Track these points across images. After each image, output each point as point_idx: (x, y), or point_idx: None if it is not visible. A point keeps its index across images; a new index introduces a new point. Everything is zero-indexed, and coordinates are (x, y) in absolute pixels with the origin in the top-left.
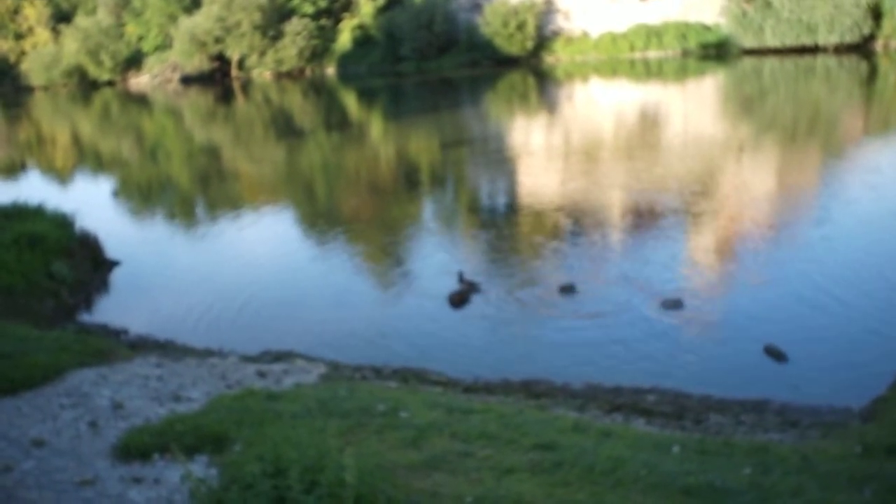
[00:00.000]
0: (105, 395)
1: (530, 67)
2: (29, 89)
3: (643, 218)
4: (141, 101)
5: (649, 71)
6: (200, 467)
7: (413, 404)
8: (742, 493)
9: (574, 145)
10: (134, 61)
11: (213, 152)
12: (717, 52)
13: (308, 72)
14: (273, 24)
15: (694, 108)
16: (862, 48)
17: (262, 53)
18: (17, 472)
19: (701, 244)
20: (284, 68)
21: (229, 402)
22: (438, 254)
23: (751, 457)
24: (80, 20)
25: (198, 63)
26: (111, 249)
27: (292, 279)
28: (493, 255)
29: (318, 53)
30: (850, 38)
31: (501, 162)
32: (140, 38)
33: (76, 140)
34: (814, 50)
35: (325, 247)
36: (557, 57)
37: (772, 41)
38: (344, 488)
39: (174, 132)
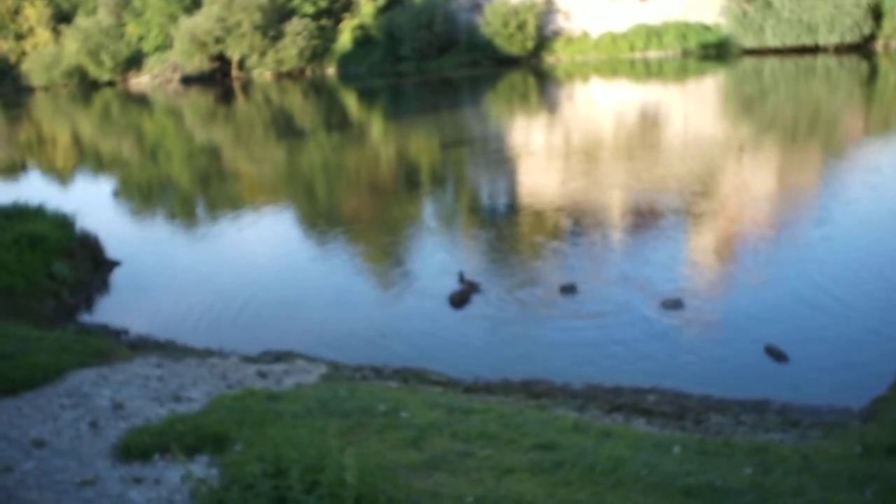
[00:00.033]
0: (105, 395)
1: (530, 67)
2: (29, 89)
3: (643, 218)
4: (141, 101)
5: (649, 71)
6: (201, 467)
7: (413, 404)
8: (743, 493)
9: (574, 145)
10: (134, 61)
11: (213, 152)
12: (717, 52)
13: (308, 72)
14: (273, 24)
15: (694, 108)
16: (862, 48)
17: (263, 53)
18: (17, 473)
19: (701, 244)
20: (285, 68)
21: (230, 403)
22: (439, 254)
23: (751, 457)
24: (81, 20)
25: (198, 63)
26: (112, 250)
27: (293, 279)
28: (493, 255)
29: (318, 53)
30: (850, 38)
31: (502, 162)
32: (140, 39)
33: (77, 140)
34: (814, 50)
35: (326, 247)
36: (558, 57)
37: (772, 41)
38: (344, 488)
39: (174, 132)
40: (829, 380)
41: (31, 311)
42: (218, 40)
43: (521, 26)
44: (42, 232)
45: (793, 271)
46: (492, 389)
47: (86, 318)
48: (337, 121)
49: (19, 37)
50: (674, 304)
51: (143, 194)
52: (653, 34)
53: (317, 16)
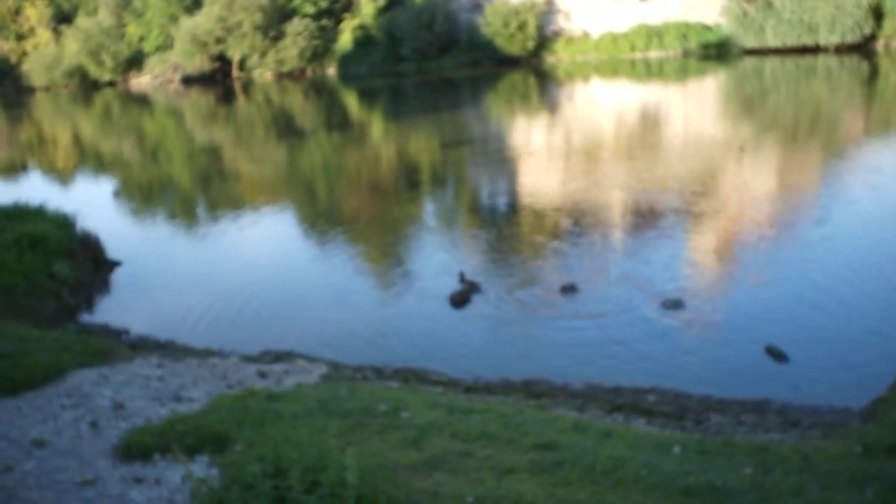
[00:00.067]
0: (106, 395)
1: (531, 67)
2: (30, 90)
3: (644, 218)
4: (142, 101)
5: (650, 71)
6: (201, 467)
7: (414, 404)
8: (743, 493)
9: (575, 145)
10: (135, 62)
11: (214, 152)
12: (717, 52)
13: (309, 72)
14: (274, 24)
15: (695, 108)
16: (863, 48)
17: (263, 54)
18: (17, 473)
19: (702, 244)
20: (285, 68)
21: (230, 403)
22: (439, 254)
23: (751, 457)
24: (82, 21)
25: (199, 63)
26: (112, 250)
27: (293, 279)
28: (493, 255)
29: (318, 54)
30: (851, 38)
31: (502, 162)
32: (141, 39)
33: (77, 140)
34: (815, 50)
35: (326, 247)
36: (558, 57)
37: (773, 41)
38: (345, 488)
39: (175, 132)
40: (830, 380)
41: (32, 310)
42: (219, 40)
43: (522, 26)
44: (43, 232)
45: (793, 271)
46: (492, 389)
47: (86, 318)
48: (337, 121)
49: (20, 37)
50: (674, 304)
51: (143, 194)
52: (653, 34)
53: (317, 16)
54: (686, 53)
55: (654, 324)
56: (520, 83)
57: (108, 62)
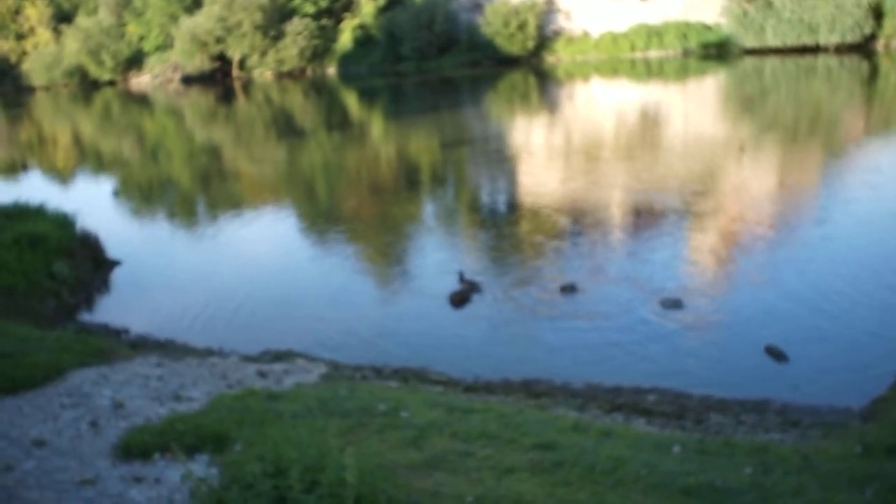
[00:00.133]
0: (106, 394)
1: (531, 67)
2: (30, 89)
3: (644, 218)
4: (142, 100)
5: (650, 71)
6: (201, 467)
7: (413, 404)
8: (743, 493)
9: (575, 145)
10: (135, 61)
11: (213, 152)
12: (717, 51)
13: (309, 72)
14: (274, 23)
15: (695, 107)
16: (863, 48)
17: (263, 53)
18: (18, 472)
19: (701, 244)
20: (285, 68)
21: (230, 402)
22: (439, 253)
23: (751, 457)
24: (82, 20)
25: (199, 63)
26: (112, 249)
27: (292, 279)
28: (493, 254)
29: (318, 53)
30: (851, 37)
31: (502, 162)
32: (141, 38)
33: (77, 140)
34: (815, 50)
35: (326, 246)
36: (558, 57)
37: (773, 41)
38: (345, 488)
39: (175, 132)
40: (830, 380)
41: (32, 310)
42: (219, 40)
43: (522, 26)
44: (42, 232)
45: (793, 271)
46: (492, 389)
47: (86, 317)
48: (337, 120)
49: (20, 36)
50: (674, 304)
51: (143, 194)
52: (653, 34)
53: (317, 15)
54: (686, 53)
55: (653, 324)
56: (520, 83)
57: (108, 62)
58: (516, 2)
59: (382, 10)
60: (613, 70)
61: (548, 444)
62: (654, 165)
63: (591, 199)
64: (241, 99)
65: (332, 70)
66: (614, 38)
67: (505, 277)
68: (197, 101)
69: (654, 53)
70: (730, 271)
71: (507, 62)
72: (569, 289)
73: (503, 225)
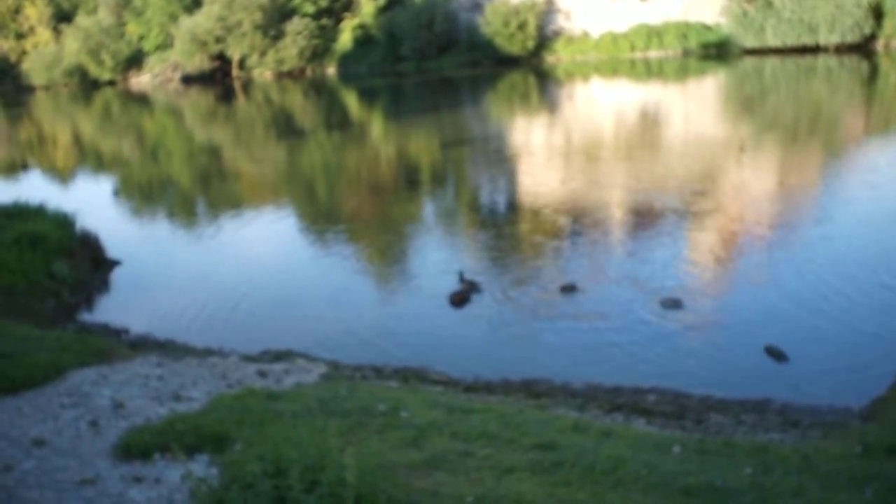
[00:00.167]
0: (106, 394)
1: (531, 67)
2: (30, 89)
3: (644, 218)
4: (142, 100)
5: (650, 71)
6: (201, 467)
7: (413, 404)
8: (743, 493)
9: (575, 145)
10: (135, 61)
11: (213, 152)
12: (717, 51)
13: (309, 71)
14: (274, 23)
15: (694, 107)
16: (863, 48)
17: (263, 53)
18: (17, 472)
19: (701, 244)
20: (285, 68)
21: (230, 402)
22: (439, 253)
23: (751, 457)
24: (81, 20)
25: (199, 63)
26: (112, 249)
27: (292, 278)
28: (493, 254)
29: (318, 53)
30: (851, 37)
31: (502, 161)
32: (141, 38)
33: (77, 140)
34: (815, 50)
35: (326, 246)
36: (558, 56)
37: (773, 41)
38: (344, 488)
39: (175, 132)
40: (830, 380)
41: (32, 310)
42: (218, 40)
43: (522, 26)
44: (42, 231)
45: (793, 271)
46: (492, 389)
47: (86, 317)
48: (337, 120)
49: (20, 36)
50: (674, 304)
51: (143, 194)
52: (653, 34)
53: (317, 15)
54: (686, 53)
55: (653, 324)
56: (520, 83)
57: (108, 61)
58: (516, 2)
59: (382, 10)
60: (613, 70)
61: (548, 444)
62: (654, 165)
63: (591, 199)
64: (240, 99)
65: (331, 70)
66: (614, 38)
67: (505, 277)
68: (197, 101)
69: (653, 53)
70: (730, 271)
71: (507, 62)
72: (569, 289)
73: (503, 225)
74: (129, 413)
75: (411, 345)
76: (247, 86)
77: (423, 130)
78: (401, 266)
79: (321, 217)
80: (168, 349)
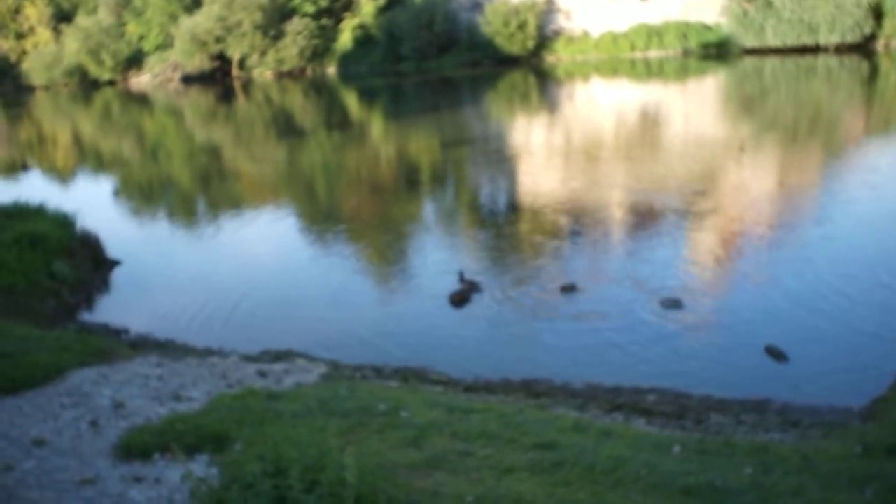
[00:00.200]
0: (106, 394)
1: (531, 67)
2: (30, 89)
3: (644, 218)
4: (142, 100)
5: (650, 70)
6: (201, 466)
7: (414, 404)
8: (743, 492)
9: (575, 145)
10: (135, 61)
11: (214, 152)
12: (717, 51)
13: (309, 71)
14: (274, 23)
15: (695, 107)
16: (863, 48)
17: (263, 53)
18: (18, 472)
19: (701, 244)
20: (285, 68)
21: (230, 402)
22: (439, 253)
23: (751, 457)
24: (81, 20)
25: (199, 62)
26: (112, 249)
27: (292, 278)
28: (493, 254)
29: (318, 53)
30: (851, 37)
31: (502, 161)
32: (141, 38)
33: (77, 139)
34: (815, 50)
35: (326, 246)
36: (558, 56)
37: (773, 41)
38: (345, 488)
39: (175, 132)
40: (830, 380)
41: (32, 310)
42: (218, 40)
43: (522, 26)
44: (43, 231)
45: (793, 271)
46: (492, 389)
47: (86, 317)
48: (337, 120)
49: (20, 36)
50: (674, 304)
51: (143, 193)
52: (653, 34)
53: (317, 15)
54: (686, 53)
55: (653, 324)
56: (520, 83)
57: (108, 61)
58: (516, 1)
59: (382, 10)
60: (613, 70)
61: (548, 444)
62: (654, 165)
63: (591, 199)
64: (240, 98)
65: (332, 70)
66: (614, 38)
67: (505, 277)
68: (197, 101)
69: (654, 53)
70: (730, 271)
71: (507, 62)
72: (569, 289)
73: (503, 225)
74: (129, 413)
75: (411, 345)
76: (247, 86)
77: (424, 130)
78: (401, 266)
79: (321, 217)
80: (168, 349)
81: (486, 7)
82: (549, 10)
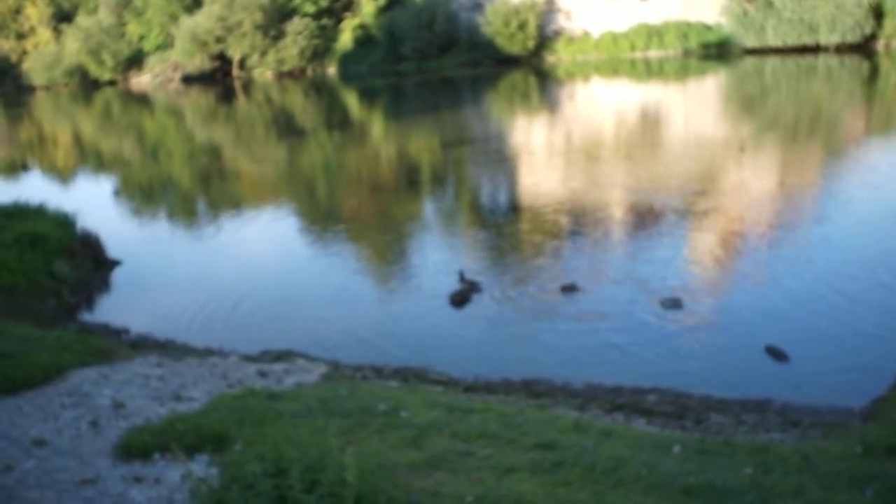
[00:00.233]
0: (106, 394)
1: (531, 67)
2: (30, 89)
3: (644, 217)
4: (142, 100)
5: (650, 70)
6: (201, 467)
7: (414, 404)
8: (743, 492)
9: (575, 145)
10: (135, 61)
11: (214, 152)
12: (718, 51)
13: (309, 71)
14: (274, 23)
15: (695, 107)
16: (863, 48)
17: (264, 53)
18: (18, 472)
19: (702, 244)
20: (285, 68)
21: (230, 402)
22: (439, 253)
23: (752, 457)
24: (82, 20)
25: (199, 62)
26: (112, 249)
27: (293, 278)
28: (493, 254)
29: (319, 53)
30: (851, 37)
31: (502, 161)
32: (141, 38)
33: (77, 139)
34: (815, 49)
35: (326, 246)
36: (559, 56)
37: (773, 41)
38: (345, 488)
39: (175, 132)
40: (830, 380)
41: (32, 310)
42: (219, 40)
43: (522, 26)
44: (43, 231)
45: (793, 271)
46: (492, 389)
47: (86, 317)
48: (338, 120)
49: (20, 36)
50: (674, 304)
51: (143, 193)
52: (654, 34)
53: (318, 15)
54: (686, 53)
55: (654, 324)
56: (520, 83)
57: (109, 61)
58: (516, 1)
59: (383, 10)
60: (614, 70)
61: (548, 444)
62: (654, 165)
63: (591, 199)
64: (241, 98)
65: (332, 70)
66: (614, 38)
67: (505, 277)
68: (197, 101)
69: (654, 53)
70: (730, 271)
71: (508, 62)
72: (569, 289)
73: (503, 225)
74: (129, 413)
75: (411, 345)
76: (247, 86)
77: (424, 130)
78: (401, 266)
79: (321, 217)
80: (168, 349)
81: (487, 7)
82: (550, 10)
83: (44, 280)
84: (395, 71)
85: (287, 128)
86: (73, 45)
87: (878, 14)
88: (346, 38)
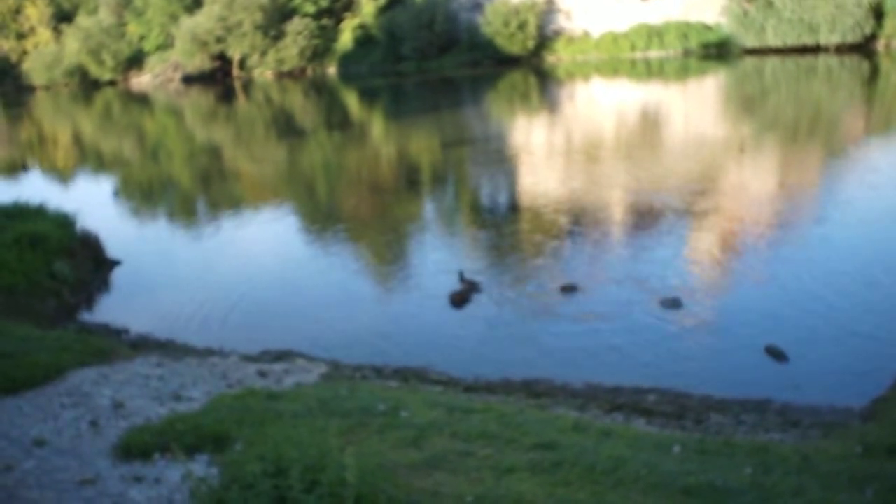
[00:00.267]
0: (106, 394)
1: (531, 67)
2: (30, 89)
3: (644, 217)
4: (142, 100)
5: (650, 70)
6: (201, 466)
7: (414, 404)
8: (743, 493)
9: (575, 145)
10: (135, 61)
11: (214, 152)
12: (718, 51)
13: (309, 71)
14: (274, 23)
15: (695, 107)
16: (863, 48)
17: (264, 53)
18: (18, 472)
19: (702, 244)
20: (286, 68)
21: (230, 402)
22: (439, 253)
23: (751, 457)
24: (82, 20)
25: (199, 63)
26: (112, 249)
27: (293, 278)
28: (493, 254)
29: (319, 53)
30: (851, 37)
31: (502, 161)
32: (141, 38)
33: (77, 139)
34: (815, 50)
35: (326, 246)
36: (559, 56)
37: (773, 41)
38: (345, 488)
39: (175, 132)
40: (830, 380)
41: (32, 310)
42: (219, 40)
43: (522, 26)
44: (43, 231)
45: (793, 271)
46: (492, 389)
47: (86, 317)
48: (338, 120)
49: (20, 36)
50: (673, 304)
51: (143, 193)
52: (654, 34)
53: (318, 15)
54: (686, 53)
55: (654, 324)
56: (520, 83)
57: (109, 61)
58: (516, 1)
59: (383, 10)
60: (614, 70)
61: (548, 444)
62: (654, 165)
63: (591, 199)
64: (241, 98)
65: (332, 70)
66: (615, 38)
67: (505, 277)
68: (197, 101)
69: (654, 53)
70: (730, 271)
71: (508, 62)
72: (569, 289)
73: (503, 225)
74: (129, 413)
75: (411, 345)
76: (247, 86)
77: (424, 130)
78: (401, 266)
79: (321, 217)
80: (168, 349)
81: (487, 7)
82: (550, 10)
83: (44, 280)
84: (395, 71)
85: (287, 128)
86: (73, 45)
87: (878, 14)
88: (346, 38)
